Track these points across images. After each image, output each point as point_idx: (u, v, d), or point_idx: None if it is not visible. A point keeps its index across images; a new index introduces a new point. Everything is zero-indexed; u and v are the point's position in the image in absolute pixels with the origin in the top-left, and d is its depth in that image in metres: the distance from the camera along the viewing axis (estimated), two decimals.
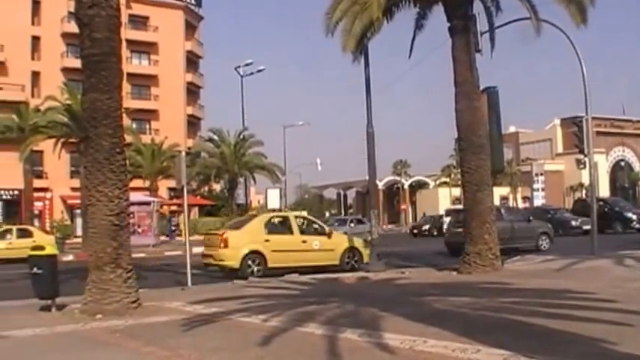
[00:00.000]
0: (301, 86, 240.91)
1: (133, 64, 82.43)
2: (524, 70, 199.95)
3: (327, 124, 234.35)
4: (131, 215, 18.51)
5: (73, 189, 69.46)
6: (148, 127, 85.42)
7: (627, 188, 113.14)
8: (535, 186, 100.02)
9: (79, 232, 58.35)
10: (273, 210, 74.45)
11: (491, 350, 9.32)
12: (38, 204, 70.66)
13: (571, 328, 10.79)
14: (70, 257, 42.03)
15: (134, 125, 72.80)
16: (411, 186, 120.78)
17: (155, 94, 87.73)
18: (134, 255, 16.90)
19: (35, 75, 78.49)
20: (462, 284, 19.58)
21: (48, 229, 65.30)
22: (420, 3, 25.24)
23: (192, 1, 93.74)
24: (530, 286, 17.78)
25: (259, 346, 10.54)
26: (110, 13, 15.65)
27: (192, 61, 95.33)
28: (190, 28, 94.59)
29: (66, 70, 73.86)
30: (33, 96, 72.22)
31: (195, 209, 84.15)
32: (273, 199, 69.08)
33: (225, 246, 25.50)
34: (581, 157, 30.90)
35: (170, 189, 76.86)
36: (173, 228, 72.04)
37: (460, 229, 32.04)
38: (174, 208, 78.19)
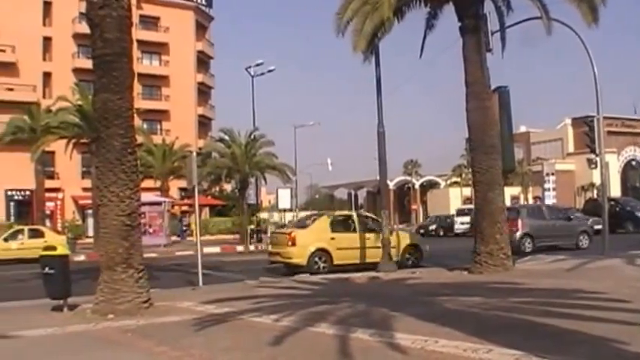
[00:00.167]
0: (312, 86, 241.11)
1: (144, 65, 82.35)
2: (536, 69, 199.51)
3: (337, 124, 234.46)
4: (142, 215, 18.56)
5: (85, 189, 69.52)
6: (159, 127, 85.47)
7: (638, 188, 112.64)
8: (546, 186, 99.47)
9: (91, 232, 58.27)
10: (284, 210, 74.65)
11: (502, 350, 9.31)
12: (50, 204, 70.67)
13: (582, 328, 10.78)
14: (82, 257, 42.09)
15: (145, 126, 72.84)
16: (422, 186, 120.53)
17: (166, 95, 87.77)
18: (145, 255, 16.95)
19: (46, 76, 78.60)
20: (473, 284, 19.56)
21: (59, 229, 65.43)
22: (431, 3, 25.19)
23: (203, 2, 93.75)
24: (541, 286, 17.75)
25: (271, 345, 10.56)
26: (121, 14, 15.67)
27: (202, 61, 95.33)
28: (201, 29, 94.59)
29: (77, 71, 73.92)
30: (44, 97, 72.25)
31: (206, 209, 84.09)
32: (284, 200, 68.96)
33: (293, 244, 26.74)
34: (592, 156, 30.88)
35: (181, 189, 76.88)
36: (184, 228, 72.09)
37: None
38: (185, 208, 78.18)
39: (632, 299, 13.86)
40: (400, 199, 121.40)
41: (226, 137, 60.63)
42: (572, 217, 36.46)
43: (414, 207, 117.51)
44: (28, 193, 68.95)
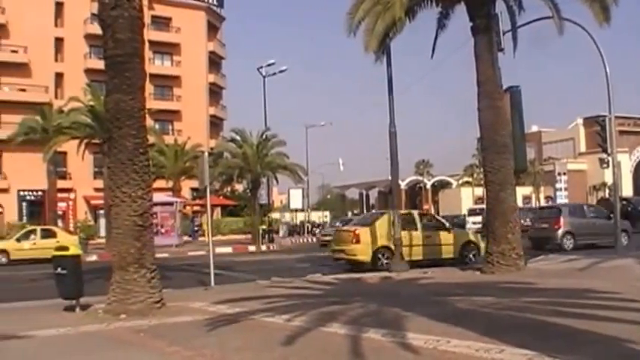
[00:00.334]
0: (323, 86, 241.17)
1: (156, 65, 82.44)
2: (547, 69, 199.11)
3: (349, 124, 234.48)
4: (154, 216, 18.59)
5: (97, 189, 69.56)
6: (170, 127, 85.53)
7: None
8: (558, 185, 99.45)
9: (103, 232, 58.45)
10: (296, 210, 74.71)
11: (514, 350, 9.30)
12: (62, 204, 70.92)
13: (595, 328, 10.76)
14: (94, 257, 42.22)
15: (157, 126, 72.82)
16: (433, 186, 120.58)
17: (178, 95, 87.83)
18: (157, 255, 16.96)
19: (58, 76, 78.78)
20: (485, 284, 19.53)
21: (71, 229, 65.58)
22: (443, 2, 25.18)
23: (214, 2, 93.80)
24: (553, 285, 17.72)
25: (283, 345, 10.56)
26: (133, 15, 15.70)
27: (214, 61, 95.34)
28: (212, 29, 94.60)
29: (89, 72, 74.13)
30: (56, 97, 72.49)
31: (218, 209, 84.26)
32: (296, 199, 69.23)
33: (358, 242, 27.54)
34: (604, 156, 30.77)
35: (193, 189, 77.01)
36: (196, 228, 72.21)
37: (544, 225, 34.63)
38: (196, 208, 78.28)
39: None
40: (412, 199, 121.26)
41: (238, 137, 60.70)
42: (612, 215, 36.63)
43: (425, 207, 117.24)
44: (40, 193, 69.13)
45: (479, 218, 57.33)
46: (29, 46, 74.84)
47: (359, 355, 9.73)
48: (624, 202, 46.26)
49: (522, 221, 30.60)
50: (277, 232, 69.10)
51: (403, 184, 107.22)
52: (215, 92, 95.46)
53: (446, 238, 28.68)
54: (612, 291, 15.46)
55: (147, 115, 16.87)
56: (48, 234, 42.94)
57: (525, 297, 15.25)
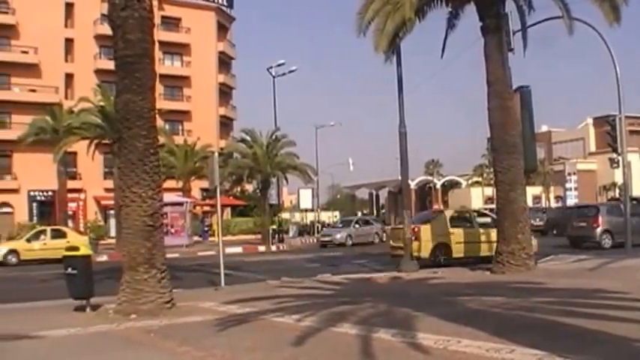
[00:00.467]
0: (333, 86, 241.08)
1: (166, 66, 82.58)
2: (556, 68, 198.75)
3: (359, 124, 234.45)
4: (164, 216, 18.61)
5: (107, 190, 69.75)
6: (180, 128, 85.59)
7: None
8: (568, 185, 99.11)
9: (113, 232, 58.55)
10: (306, 210, 74.64)
11: (525, 350, 9.28)
12: (72, 205, 71.10)
13: (605, 328, 10.74)
14: (104, 258, 42.34)
15: (167, 126, 72.85)
16: (443, 185, 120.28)
17: (187, 95, 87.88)
18: (167, 255, 16.98)
19: (69, 77, 78.93)
20: (495, 284, 19.51)
21: (82, 229, 65.70)
22: (452, 2, 25.19)
23: (224, 3, 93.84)
24: (563, 285, 17.69)
25: (293, 346, 10.57)
26: (143, 15, 15.73)
27: (224, 62, 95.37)
28: (222, 29, 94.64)
29: (99, 72, 74.19)
30: (66, 98, 72.62)
31: (228, 209, 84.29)
32: (306, 200, 69.14)
33: (417, 239, 27.94)
34: (614, 156, 30.77)
35: (203, 189, 76.98)
36: (206, 228, 72.23)
37: (582, 224, 34.83)
38: (206, 208, 78.35)
39: None
40: (422, 199, 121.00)
41: (248, 138, 60.79)
42: None
43: (435, 207, 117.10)
44: (50, 193, 69.23)
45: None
46: (39, 46, 75.00)
47: (369, 356, 9.73)
48: (634, 202, 46.12)
49: (532, 221, 30.61)
50: (287, 232, 69.04)
51: (413, 184, 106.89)
52: (225, 92, 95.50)
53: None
54: (622, 291, 15.42)
55: (157, 116, 16.89)
56: (58, 234, 43.09)
57: (535, 297, 15.23)
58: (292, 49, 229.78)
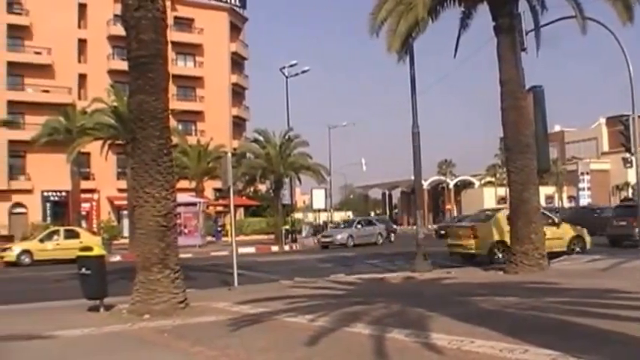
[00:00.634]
0: (345, 86, 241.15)
1: (179, 66, 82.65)
2: (569, 68, 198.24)
3: (371, 124, 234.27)
4: (177, 216, 18.63)
5: (120, 190, 69.89)
6: (193, 128, 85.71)
7: None
8: (581, 185, 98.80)
9: (126, 232, 58.72)
10: (319, 210, 74.58)
11: (538, 350, 9.27)
12: (85, 205, 71.25)
13: (618, 328, 10.72)
14: (117, 258, 42.44)
15: (180, 127, 73.11)
16: (456, 185, 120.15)
17: (200, 96, 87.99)
18: (180, 255, 17.01)
19: (82, 77, 79.15)
20: (508, 284, 19.48)
21: (95, 230, 65.89)
22: (465, 2, 25.14)
23: (237, 3, 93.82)
24: (576, 285, 17.65)
25: (306, 346, 10.58)
26: (156, 16, 15.76)
27: (237, 62, 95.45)
28: (235, 30, 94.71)
29: (112, 73, 74.44)
30: (80, 98, 72.90)
31: (241, 210, 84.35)
32: (319, 200, 69.03)
33: (475, 237, 28.91)
34: (627, 155, 30.65)
35: (216, 190, 77.18)
36: (219, 228, 72.30)
37: (622, 223, 34.90)
38: (220, 208, 78.47)
39: None
40: (434, 199, 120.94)
41: (261, 138, 60.90)
42: None
43: (448, 207, 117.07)
44: (64, 194, 69.55)
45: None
46: (53, 47, 75.26)
47: (383, 356, 9.73)
48: None
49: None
50: (300, 233, 69.09)
51: (426, 184, 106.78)
52: (238, 93, 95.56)
53: (555, 232, 29.37)
54: (635, 291, 15.43)
55: (170, 116, 16.92)
56: (71, 234, 43.22)
57: (548, 297, 15.21)
58: (305, 50, 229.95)
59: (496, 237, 28.24)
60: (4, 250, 42.49)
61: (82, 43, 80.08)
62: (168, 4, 16.97)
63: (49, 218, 72.76)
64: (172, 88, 68.00)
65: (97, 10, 78.40)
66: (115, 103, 50.05)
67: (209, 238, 65.83)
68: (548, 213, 31.20)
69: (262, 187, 79.05)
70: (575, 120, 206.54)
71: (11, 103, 71.37)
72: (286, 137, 59.20)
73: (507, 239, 26.91)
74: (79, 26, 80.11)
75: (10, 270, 38.06)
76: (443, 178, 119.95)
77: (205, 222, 66.57)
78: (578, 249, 29.82)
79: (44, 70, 75.26)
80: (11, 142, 70.55)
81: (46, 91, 74.59)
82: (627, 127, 28.04)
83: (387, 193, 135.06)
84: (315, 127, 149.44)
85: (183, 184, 60.36)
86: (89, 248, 16.72)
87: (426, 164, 41.96)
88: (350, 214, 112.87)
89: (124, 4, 15.95)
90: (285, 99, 65.79)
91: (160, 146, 15.68)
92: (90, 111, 54.80)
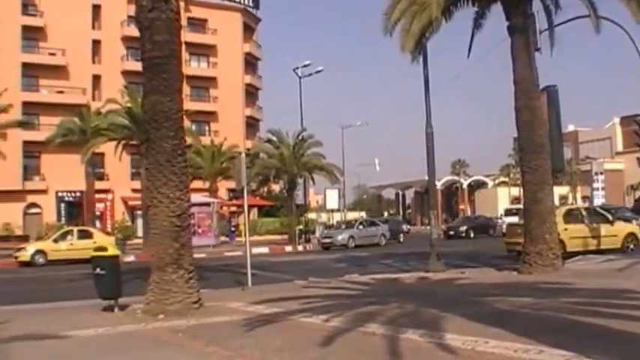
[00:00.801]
0: (359, 86, 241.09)
1: (192, 67, 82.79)
2: (584, 68, 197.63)
3: (385, 124, 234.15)
4: (191, 216, 18.66)
5: (134, 190, 70.17)
6: (207, 128, 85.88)
7: None
8: (595, 185, 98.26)
9: (140, 233, 58.90)
10: (332, 210, 74.59)
11: (553, 351, 9.24)
12: (100, 205, 71.37)
13: (634, 329, 10.69)
14: (131, 258, 42.53)
15: (194, 127, 73.20)
16: (469, 186, 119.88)
17: (214, 96, 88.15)
18: (194, 255, 17.02)
19: (96, 78, 79.44)
20: (522, 284, 19.44)
21: (109, 230, 66.10)
22: (479, 2, 25.11)
23: (250, 4, 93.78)
24: (591, 286, 17.59)
25: (321, 346, 10.58)
26: (170, 17, 15.80)
27: (250, 62, 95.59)
28: (248, 30, 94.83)
29: (126, 73, 74.58)
30: (94, 99, 73.24)
31: (255, 210, 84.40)
32: (332, 200, 69.05)
33: None
34: None
35: (229, 190, 77.24)
36: (233, 229, 72.37)
37: None
38: (233, 208, 78.50)
39: None
40: (448, 199, 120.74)
41: (274, 138, 60.93)
42: None
43: (461, 207, 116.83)
44: (78, 194, 69.82)
45: (516, 218, 57.12)
46: (67, 48, 75.54)
47: (397, 356, 9.73)
48: None
49: None
50: (313, 233, 69.08)
51: (439, 184, 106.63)
52: (251, 93, 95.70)
53: (609, 230, 30.02)
54: None
55: (184, 117, 16.95)
56: (84, 235, 43.33)
57: (563, 297, 15.16)
58: (318, 49, 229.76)
59: None
60: (19, 250, 42.64)
61: (96, 44, 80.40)
62: (181, 4, 17.00)
63: (63, 218, 73.06)
64: (186, 89, 68.02)
65: (111, 11, 78.65)
66: (129, 104, 50.13)
67: (223, 238, 65.95)
68: (602, 211, 32.07)
69: (276, 188, 79.14)
70: (589, 119, 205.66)
71: (26, 104, 71.44)
72: (300, 137, 59.20)
73: (564, 237, 27.95)
74: (93, 27, 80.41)
75: (25, 270, 38.20)
76: (456, 178, 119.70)
77: (219, 222, 66.71)
78: (632, 247, 30.30)
79: (59, 71, 75.59)
80: (26, 143, 70.84)
81: (61, 92, 74.91)
82: None
83: (400, 193, 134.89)
84: (328, 127, 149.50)
85: (196, 184, 60.23)
86: (104, 248, 16.76)
87: (440, 164, 42.08)
88: (363, 214, 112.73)
89: (138, 5, 16.00)
90: (299, 99, 65.88)
91: (174, 147, 15.72)
92: (104, 112, 54.88)
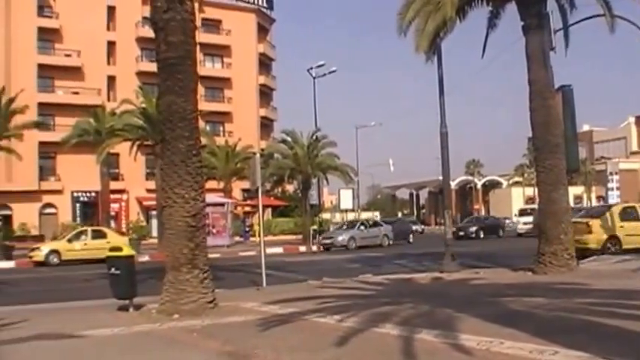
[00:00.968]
0: (374, 86, 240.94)
1: (207, 67, 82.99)
2: (598, 67, 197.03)
3: (399, 124, 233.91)
4: (206, 216, 18.69)
5: (149, 190, 70.41)
6: (221, 129, 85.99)
7: None
8: (609, 185, 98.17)
9: (155, 233, 59.07)
10: (346, 210, 74.56)
11: (568, 352, 9.21)
12: (115, 205, 71.62)
13: None
14: (146, 258, 42.59)
15: (208, 127, 73.28)
16: (484, 186, 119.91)
17: (228, 97, 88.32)
18: (209, 256, 17.03)
19: (111, 79, 79.83)
20: (537, 285, 19.38)
21: (124, 230, 66.31)
22: (494, 2, 25.06)
23: (264, 4, 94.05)
24: (606, 286, 17.53)
25: (336, 346, 10.57)
26: (185, 17, 15.82)
27: (264, 63, 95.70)
28: (262, 31, 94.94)
29: (141, 74, 74.90)
30: (109, 100, 73.48)
31: (269, 210, 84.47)
32: (346, 200, 69.09)
33: (590, 232, 29.69)
34: None
35: (244, 190, 77.31)
36: (247, 229, 72.50)
37: None
38: (248, 209, 78.70)
39: None
40: (462, 199, 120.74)
41: (288, 138, 60.96)
42: None
43: (476, 207, 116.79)
44: (93, 194, 70.03)
45: (530, 218, 57.04)
46: (82, 49, 75.97)
47: (412, 357, 9.72)
48: None
49: None
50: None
51: (453, 184, 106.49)
52: (265, 93, 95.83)
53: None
54: None
55: (199, 117, 16.98)
56: (98, 235, 43.51)
57: (578, 298, 15.12)
58: (331, 49, 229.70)
59: (610, 232, 29.50)
60: (33, 250, 42.81)
61: (111, 45, 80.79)
62: (196, 5, 17.04)
63: (78, 218, 73.39)
64: (200, 90, 68.20)
65: (126, 12, 79.00)
66: (144, 105, 50.32)
67: (237, 239, 66.08)
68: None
69: (290, 188, 79.26)
70: (603, 119, 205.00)
71: (42, 105, 71.79)
72: (314, 137, 59.20)
73: (620, 234, 29.09)
74: (108, 28, 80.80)
75: (39, 270, 38.31)
76: (471, 178, 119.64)
77: (233, 222, 66.83)
78: None
79: (74, 72, 76.02)
80: (42, 144, 71.23)
81: (76, 93, 75.30)
82: None
83: (414, 193, 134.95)
84: (342, 127, 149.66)
85: (211, 184, 60.51)
86: (119, 248, 16.79)
87: (454, 164, 41.97)
88: (377, 214, 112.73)
89: (153, 6, 16.04)
90: (313, 99, 65.92)
91: (189, 147, 15.74)
92: (119, 112, 55.14)
